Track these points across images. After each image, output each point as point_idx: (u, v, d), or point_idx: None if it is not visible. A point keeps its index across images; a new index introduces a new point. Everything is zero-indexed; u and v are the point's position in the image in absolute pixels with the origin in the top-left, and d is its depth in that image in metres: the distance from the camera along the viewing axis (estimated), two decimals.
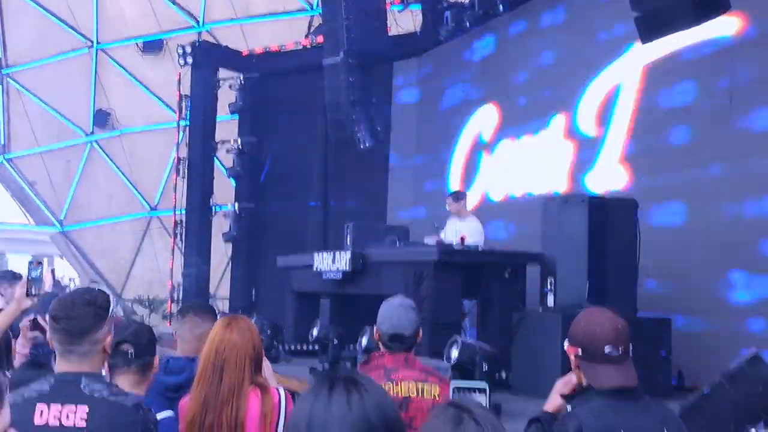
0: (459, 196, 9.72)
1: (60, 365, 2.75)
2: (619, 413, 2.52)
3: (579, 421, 2.46)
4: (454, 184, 12.49)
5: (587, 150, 10.13)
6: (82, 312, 2.73)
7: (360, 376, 1.86)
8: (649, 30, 7.53)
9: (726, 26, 8.04)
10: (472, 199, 11.01)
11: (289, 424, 1.86)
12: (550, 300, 7.16)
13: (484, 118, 12.12)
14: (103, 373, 3.14)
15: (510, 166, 11.50)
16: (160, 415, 3.08)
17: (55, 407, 2.63)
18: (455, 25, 11.99)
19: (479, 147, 12.16)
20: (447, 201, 9.69)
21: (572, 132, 10.41)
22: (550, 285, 7.20)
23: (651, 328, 6.87)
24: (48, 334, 2.87)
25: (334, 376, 1.82)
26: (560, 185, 10.49)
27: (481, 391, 3.22)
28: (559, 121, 10.62)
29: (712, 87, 8.47)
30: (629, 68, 9.53)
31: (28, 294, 3.91)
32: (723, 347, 7.39)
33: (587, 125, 10.17)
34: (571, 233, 7.13)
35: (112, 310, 2.82)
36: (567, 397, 2.64)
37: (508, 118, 11.63)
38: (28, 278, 3.92)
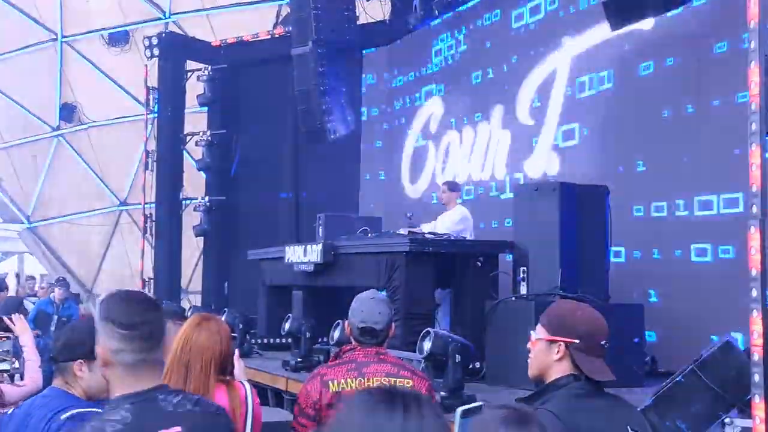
0: (453, 186, 9.73)
1: (123, 385, 2.29)
2: (581, 412, 2.49)
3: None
4: (405, 175, 12.95)
5: (525, 138, 10.46)
6: (153, 316, 2.35)
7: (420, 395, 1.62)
8: (618, 16, 7.53)
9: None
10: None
11: None
12: (523, 288, 7.14)
13: (432, 109, 12.42)
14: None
15: (455, 156, 11.80)
16: None
17: None
18: (424, 13, 11.93)
19: (427, 137, 12.44)
20: (441, 188, 9.73)
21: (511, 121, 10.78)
22: (523, 273, 7.18)
23: (623, 314, 6.86)
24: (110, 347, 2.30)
25: (397, 392, 1.57)
26: (499, 173, 10.98)
27: None
28: (499, 110, 11.03)
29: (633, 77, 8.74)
30: (561, 58, 9.88)
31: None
32: (695, 332, 7.42)
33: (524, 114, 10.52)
34: (542, 221, 7.11)
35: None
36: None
37: (454, 109, 11.82)
38: None
